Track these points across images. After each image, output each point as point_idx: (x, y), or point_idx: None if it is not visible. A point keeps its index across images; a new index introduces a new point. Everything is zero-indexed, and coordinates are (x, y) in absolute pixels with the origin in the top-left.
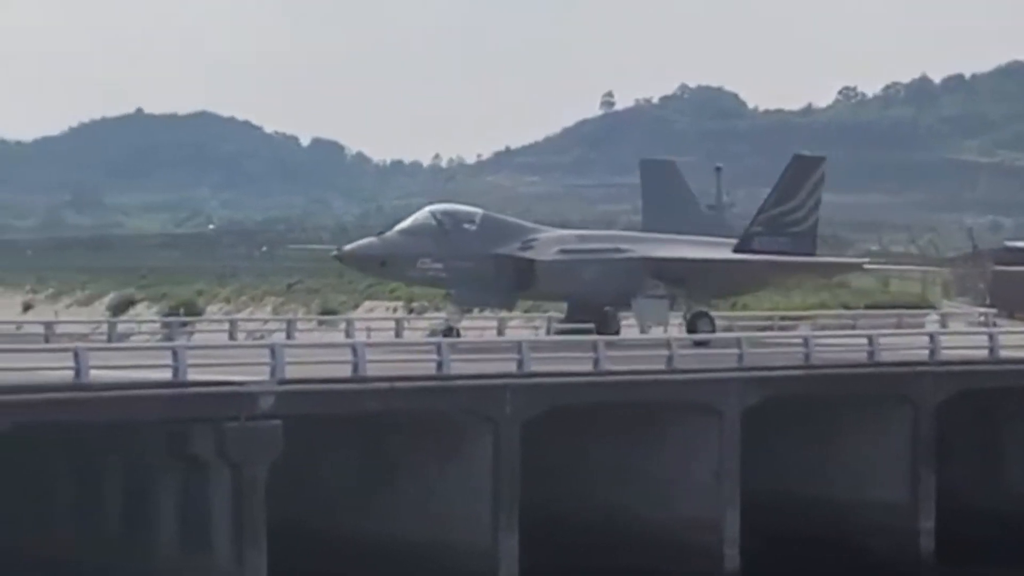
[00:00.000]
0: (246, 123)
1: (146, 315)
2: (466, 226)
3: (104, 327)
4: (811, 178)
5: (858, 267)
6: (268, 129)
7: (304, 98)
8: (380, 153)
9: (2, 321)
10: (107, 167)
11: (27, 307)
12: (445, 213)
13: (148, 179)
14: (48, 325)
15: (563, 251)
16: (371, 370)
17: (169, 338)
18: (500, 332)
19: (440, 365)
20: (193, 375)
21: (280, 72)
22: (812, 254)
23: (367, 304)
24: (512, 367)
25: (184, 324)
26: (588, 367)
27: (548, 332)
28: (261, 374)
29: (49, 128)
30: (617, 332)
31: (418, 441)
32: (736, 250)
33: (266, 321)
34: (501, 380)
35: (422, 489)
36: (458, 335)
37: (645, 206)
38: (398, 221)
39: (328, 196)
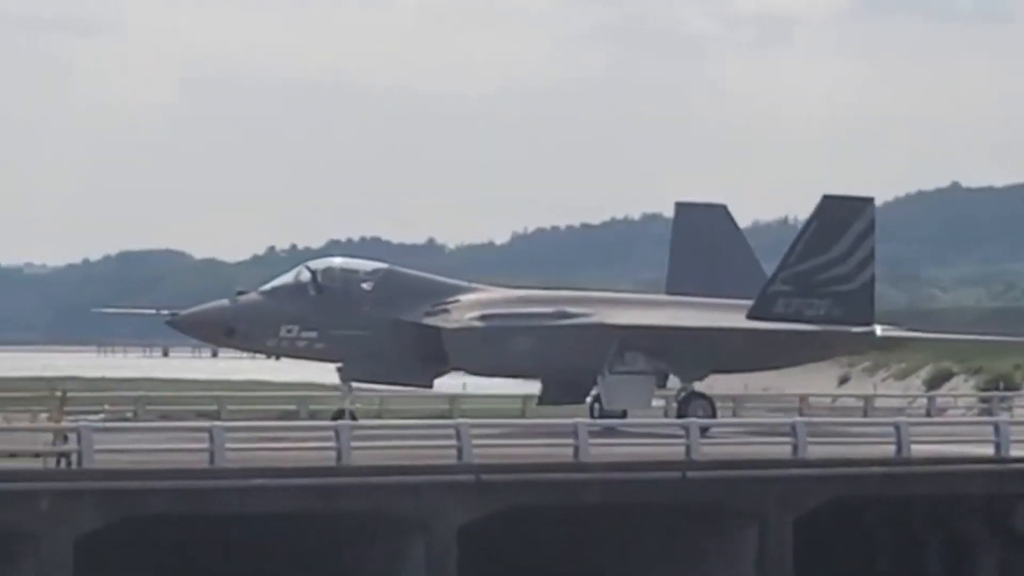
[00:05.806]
0: None
1: (963, 389)
2: (362, 286)
3: (921, 401)
4: (853, 225)
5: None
6: None
7: None
8: None
9: (819, 395)
10: (923, 241)
11: (843, 380)
12: (330, 270)
13: (964, 253)
14: (866, 399)
15: (484, 317)
16: None
17: (989, 413)
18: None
19: None
20: (1016, 451)
21: None
22: (869, 322)
23: None
24: None
25: (1003, 399)
26: None
27: None
28: None
29: None
30: (623, 416)
31: None
32: (751, 315)
33: None
34: None
35: None
36: (353, 418)
37: (673, 260)
38: None
39: None
